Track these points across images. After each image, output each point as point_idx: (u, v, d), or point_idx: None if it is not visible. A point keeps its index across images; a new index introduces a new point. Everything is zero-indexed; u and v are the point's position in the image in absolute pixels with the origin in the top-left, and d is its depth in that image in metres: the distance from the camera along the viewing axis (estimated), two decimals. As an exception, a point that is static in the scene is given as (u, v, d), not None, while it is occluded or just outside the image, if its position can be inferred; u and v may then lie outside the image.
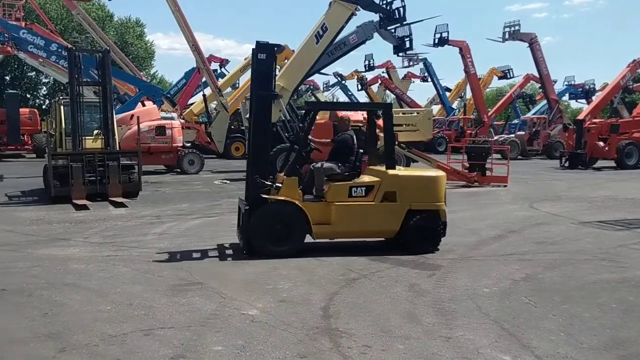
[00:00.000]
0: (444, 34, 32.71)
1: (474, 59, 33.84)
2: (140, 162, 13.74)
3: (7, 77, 54.79)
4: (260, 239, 7.60)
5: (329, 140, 8.84)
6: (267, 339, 4.76)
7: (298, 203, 7.69)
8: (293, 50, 23.23)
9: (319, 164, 8.19)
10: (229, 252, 8.03)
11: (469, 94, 40.51)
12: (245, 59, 32.33)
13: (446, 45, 33.20)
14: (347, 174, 8.10)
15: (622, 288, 6.39)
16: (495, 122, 40.11)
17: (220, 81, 31.81)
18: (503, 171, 17.14)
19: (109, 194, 12.85)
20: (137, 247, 8.32)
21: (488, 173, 17.10)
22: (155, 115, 20.36)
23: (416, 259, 7.57)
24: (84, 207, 11.86)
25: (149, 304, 5.62)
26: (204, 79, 30.52)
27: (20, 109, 29.06)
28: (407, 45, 20.92)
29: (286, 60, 20.88)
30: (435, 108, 46.04)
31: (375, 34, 19.02)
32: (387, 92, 49.68)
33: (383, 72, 46.56)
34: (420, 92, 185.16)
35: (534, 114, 38.78)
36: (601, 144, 24.44)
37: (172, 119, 21.12)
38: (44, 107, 50.41)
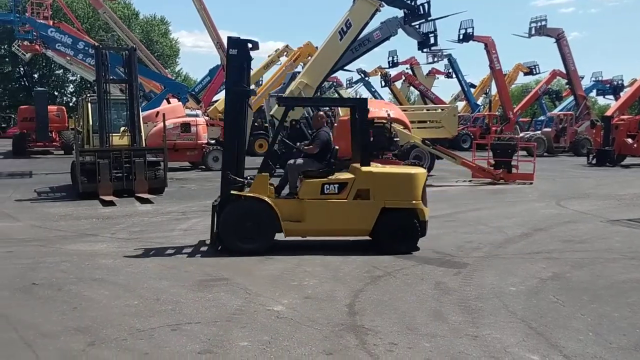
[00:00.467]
0: (469, 30, 32.35)
1: (499, 54, 33.46)
2: (166, 159, 13.88)
3: (36, 75, 55.87)
4: (229, 235, 7.57)
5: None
6: (292, 335, 4.78)
7: (267, 200, 7.60)
8: (316, 47, 23.24)
9: (292, 161, 8.16)
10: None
11: (494, 90, 40.10)
12: (268, 56, 32.45)
13: (471, 41, 32.84)
14: (320, 170, 7.96)
15: (653, 288, 6.27)
16: (521, 119, 39.59)
17: (245, 78, 31.86)
18: (529, 168, 16.95)
19: (135, 190, 13.01)
20: (163, 242, 8.40)
21: (514, 170, 16.94)
22: (180, 113, 20.54)
23: (442, 257, 7.53)
24: (111, 203, 12.03)
25: (176, 299, 5.68)
26: (228, 76, 30.65)
27: (49, 107, 29.51)
28: (432, 41, 20.75)
29: (309, 57, 20.91)
30: (460, 104, 45.61)
31: (400, 30, 18.91)
32: (411, 88, 49.39)
33: (407, 69, 46.28)
34: (445, 89, 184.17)
35: (560, 111, 38.23)
36: (629, 140, 24.04)
37: (196, 116, 21.28)
38: (71, 104, 51.24)
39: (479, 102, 46.50)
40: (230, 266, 6.98)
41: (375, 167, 8.05)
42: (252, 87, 27.70)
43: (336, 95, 27.26)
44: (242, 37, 8.04)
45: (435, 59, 44.46)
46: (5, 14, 31.09)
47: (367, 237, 8.05)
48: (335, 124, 17.05)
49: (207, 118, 25.54)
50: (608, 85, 43.71)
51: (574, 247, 8.30)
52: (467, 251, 7.89)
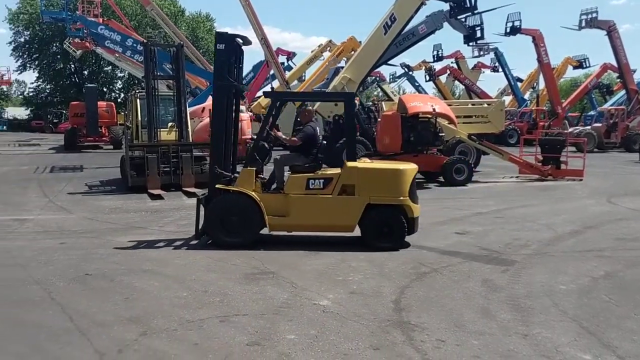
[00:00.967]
0: (516, 23, 31.64)
1: (548, 48, 32.63)
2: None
3: (85, 72, 57.36)
4: (214, 229, 7.67)
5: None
6: (339, 330, 4.79)
7: (252, 194, 7.62)
8: (360, 42, 23.16)
9: (279, 156, 8.15)
10: (299, 242, 8.11)
11: (541, 85, 39.13)
12: (312, 52, 32.59)
13: (518, 34, 32.13)
14: (307, 165, 7.93)
15: None
16: (569, 114, 38.59)
17: (288, 74, 32.09)
18: (578, 164, 16.50)
19: (182, 184, 13.25)
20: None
21: (563, 166, 16.51)
22: (225, 108, 20.73)
23: (489, 254, 7.42)
24: (159, 197, 12.29)
25: (224, 291, 5.77)
26: (271, 72, 30.88)
27: (98, 102, 30.28)
28: (478, 34, 20.44)
29: (353, 52, 20.83)
30: (506, 99, 44.71)
31: (445, 24, 18.69)
32: (456, 82, 48.67)
33: (452, 63, 45.59)
34: (491, 83, 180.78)
35: (611, 105, 37.08)
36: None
37: (241, 111, 21.44)
38: (119, 100, 52.44)
39: (526, 96, 45.52)
40: (277, 260, 7.04)
41: (362, 162, 7.99)
42: (289, 84, 27.75)
43: (379, 90, 27.10)
44: (230, 32, 8.19)
45: (481, 53, 43.66)
46: (57, 12, 32.05)
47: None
48: (379, 119, 16.98)
49: (250, 113, 25.78)
50: (662, 79, 42.12)
51: (626, 246, 8.05)
52: (515, 248, 7.76)
